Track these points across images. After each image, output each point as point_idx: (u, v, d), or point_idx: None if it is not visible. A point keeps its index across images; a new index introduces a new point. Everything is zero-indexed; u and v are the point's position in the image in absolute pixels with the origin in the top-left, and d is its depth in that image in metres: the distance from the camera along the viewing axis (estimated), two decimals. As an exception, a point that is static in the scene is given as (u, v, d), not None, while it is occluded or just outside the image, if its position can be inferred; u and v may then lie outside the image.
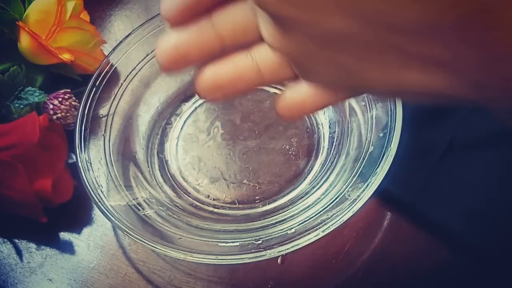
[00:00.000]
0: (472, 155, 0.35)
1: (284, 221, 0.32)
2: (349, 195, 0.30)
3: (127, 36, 0.38)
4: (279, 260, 0.34)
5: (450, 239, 0.33)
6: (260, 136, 0.39)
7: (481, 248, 0.32)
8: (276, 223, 0.32)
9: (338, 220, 0.29)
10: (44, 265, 0.36)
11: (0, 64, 0.39)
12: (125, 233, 0.30)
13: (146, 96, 0.40)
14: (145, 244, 0.30)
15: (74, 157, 0.36)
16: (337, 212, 0.29)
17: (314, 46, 0.16)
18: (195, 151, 0.39)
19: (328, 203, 0.31)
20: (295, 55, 0.17)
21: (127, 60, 0.39)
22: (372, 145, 0.32)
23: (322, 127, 0.39)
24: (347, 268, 0.33)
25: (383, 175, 0.30)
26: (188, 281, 0.34)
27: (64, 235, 0.37)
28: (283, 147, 0.38)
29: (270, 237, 0.30)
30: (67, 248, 0.36)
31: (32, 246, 0.37)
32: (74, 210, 0.38)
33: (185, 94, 0.42)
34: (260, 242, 0.30)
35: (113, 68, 0.38)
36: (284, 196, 0.36)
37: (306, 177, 0.36)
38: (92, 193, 0.32)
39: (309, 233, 0.29)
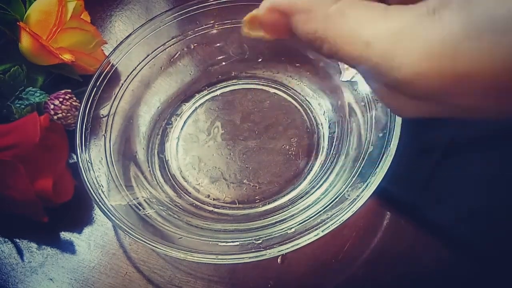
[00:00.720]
0: (472, 155, 0.35)
1: (284, 221, 0.32)
2: (348, 195, 0.30)
3: (127, 37, 0.39)
4: (279, 260, 0.34)
5: (450, 239, 0.33)
6: (260, 136, 0.39)
7: (481, 248, 0.33)
8: (276, 222, 0.32)
9: (337, 220, 0.29)
10: (45, 265, 0.36)
11: (1, 65, 0.40)
12: (125, 232, 0.30)
13: (147, 96, 0.40)
14: (146, 243, 0.30)
15: (74, 157, 0.36)
16: (336, 212, 0.29)
17: (426, 105, 0.18)
18: (195, 151, 0.39)
19: (328, 203, 0.31)
20: (405, 110, 0.20)
21: (127, 60, 0.39)
22: (371, 145, 0.32)
23: (322, 127, 0.39)
24: (347, 267, 0.33)
25: (383, 175, 0.30)
26: (189, 280, 0.34)
27: (65, 235, 0.37)
28: (283, 147, 0.38)
29: (270, 236, 0.30)
30: (68, 247, 0.37)
31: (33, 245, 0.37)
32: (75, 210, 0.38)
33: (185, 94, 0.42)
34: (260, 241, 0.30)
35: (114, 68, 0.38)
36: (284, 196, 0.36)
37: (306, 177, 0.37)
38: (92, 193, 0.32)
39: (309, 233, 0.29)
